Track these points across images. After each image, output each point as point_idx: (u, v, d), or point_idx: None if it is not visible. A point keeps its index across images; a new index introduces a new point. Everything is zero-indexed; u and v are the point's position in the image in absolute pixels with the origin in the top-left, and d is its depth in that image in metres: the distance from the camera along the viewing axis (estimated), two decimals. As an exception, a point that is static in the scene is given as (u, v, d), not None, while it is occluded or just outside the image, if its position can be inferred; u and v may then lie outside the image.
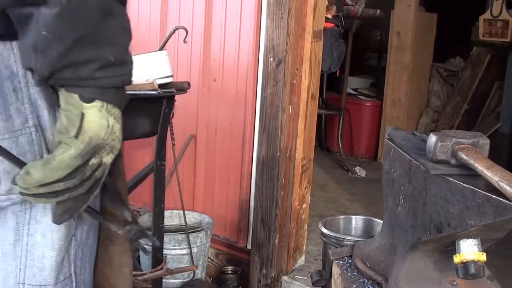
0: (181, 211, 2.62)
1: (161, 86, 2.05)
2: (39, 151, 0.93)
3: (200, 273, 2.70)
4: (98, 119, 0.84)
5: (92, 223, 1.03)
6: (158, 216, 2.27)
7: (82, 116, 0.83)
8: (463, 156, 1.15)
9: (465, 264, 1.14)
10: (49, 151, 0.92)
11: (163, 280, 2.44)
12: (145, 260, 2.63)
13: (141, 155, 3.02)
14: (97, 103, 0.83)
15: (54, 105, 0.92)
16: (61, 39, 0.80)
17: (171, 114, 2.18)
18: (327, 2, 2.82)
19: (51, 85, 0.86)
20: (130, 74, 0.87)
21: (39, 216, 0.93)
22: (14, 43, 0.89)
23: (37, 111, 0.91)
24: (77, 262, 1.01)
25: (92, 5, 0.81)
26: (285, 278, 2.65)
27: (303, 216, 2.73)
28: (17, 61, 0.89)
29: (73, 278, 1.00)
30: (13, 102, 0.89)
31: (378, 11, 4.54)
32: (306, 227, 2.77)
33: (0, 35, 0.87)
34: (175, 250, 2.61)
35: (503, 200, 1.01)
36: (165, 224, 2.35)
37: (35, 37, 0.80)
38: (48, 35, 0.79)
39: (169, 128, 2.23)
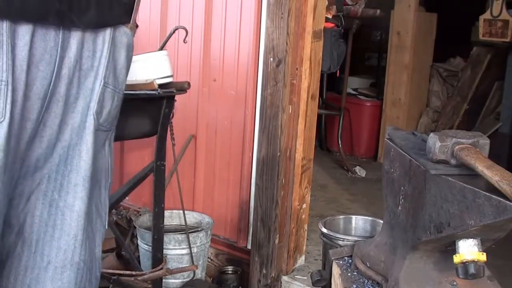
0: (181, 211, 2.62)
1: (161, 86, 2.04)
2: None
3: (200, 273, 2.70)
4: None
5: None
6: (158, 216, 2.27)
7: None
8: (463, 156, 1.15)
9: (465, 264, 1.14)
10: None
11: (163, 280, 2.44)
12: (145, 260, 2.63)
13: (141, 155, 3.02)
14: None
15: None
16: None
17: (171, 114, 2.18)
18: (327, 2, 2.82)
19: None
20: None
21: None
22: None
23: None
24: None
25: None
26: (285, 278, 2.65)
27: (303, 216, 2.73)
28: None
29: None
30: None
31: (378, 11, 4.54)
32: (306, 227, 2.77)
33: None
34: (175, 250, 2.61)
35: (503, 200, 1.01)
36: (165, 224, 2.35)
37: None
38: None
39: (169, 128, 2.23)
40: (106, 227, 1.32)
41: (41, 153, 1.17)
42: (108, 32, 1.22)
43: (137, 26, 1.37)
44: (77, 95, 1.19)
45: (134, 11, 1.32)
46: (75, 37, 1.15)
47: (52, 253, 1.20)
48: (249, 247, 2.71)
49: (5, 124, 1.06)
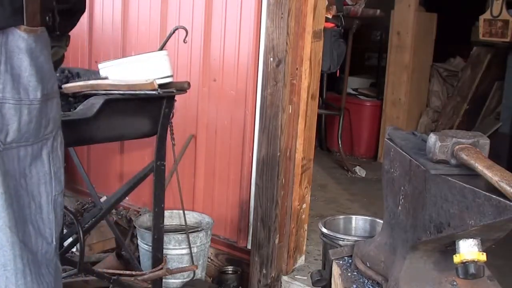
0: (181, 211, 2.62)
1: (161, 86, 2.04)
2: None
3: (200, 273, 2.70)
4: None
5: None
6: (158, 216, 2.27)
7: None
8: (463, 156, 1.15)
9: (465, 264, 1.14)
10: None
11: (163, 280, 2.44)
12: (145, 260, 2.63)
13: (141, 155, 3.02)
14: None
15: None
16: None
17: (171, 114, 2.18)
18: (327, 2, 2.82)
19: None
20: None
21: None
22: None
23: None
24: None
25: None
26: (285, 278, 2.65)
27: (303, 216, 2.73)
28: None
29: None
30: None
31: (378, 11, 4.54)
32: (306, 227, 2.77)
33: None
34: (175, 250, 2.61)
35: (503, 200, 1.01)
36: (165, 224, 2.35)
37: None
38: None
39: (169, 128, 2.23)
40: (54, 241, 1.21)
41: None
42: None
43: (70, 31, 1.22)
44: None
45: (25, 9, 1.10)
46: None
47: None
48: (249, 247, 2.71)
49: None
